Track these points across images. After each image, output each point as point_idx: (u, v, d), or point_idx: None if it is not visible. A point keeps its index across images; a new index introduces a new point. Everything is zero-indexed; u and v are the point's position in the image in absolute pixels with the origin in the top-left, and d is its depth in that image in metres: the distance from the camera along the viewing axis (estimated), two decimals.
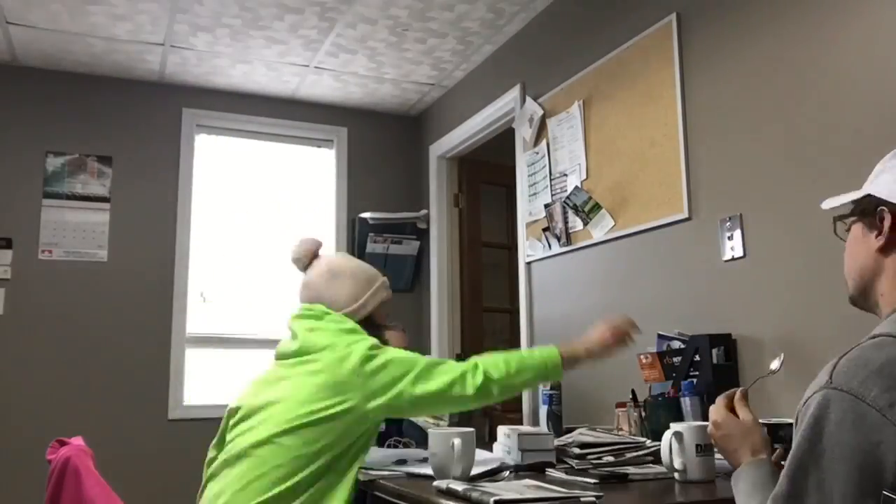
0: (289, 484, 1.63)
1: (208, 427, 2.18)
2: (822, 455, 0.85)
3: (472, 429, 1.71)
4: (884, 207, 1.05)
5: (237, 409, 1.82)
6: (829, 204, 1.19)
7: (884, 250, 1.04)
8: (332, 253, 2.02)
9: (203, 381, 4.00)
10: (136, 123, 4.05)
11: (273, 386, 1.80)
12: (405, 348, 2.93)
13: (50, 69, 3.92)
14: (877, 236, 1.05)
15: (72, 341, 3.77)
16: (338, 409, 1.70)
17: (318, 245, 2.07)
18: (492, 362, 1.82)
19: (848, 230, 1.14)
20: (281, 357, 1.90)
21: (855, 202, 1.11)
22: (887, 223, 1.04)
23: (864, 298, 1.09)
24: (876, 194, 1.06)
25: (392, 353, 1.81)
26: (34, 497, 3.45)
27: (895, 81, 1.83)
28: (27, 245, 3.76)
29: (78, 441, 1.63)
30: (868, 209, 1.08)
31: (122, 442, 3.72)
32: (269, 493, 1.62)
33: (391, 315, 3.39)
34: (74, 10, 3.29)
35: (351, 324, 1.90)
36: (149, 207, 4.00)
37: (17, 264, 3.73)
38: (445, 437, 1.65)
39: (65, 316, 3.77)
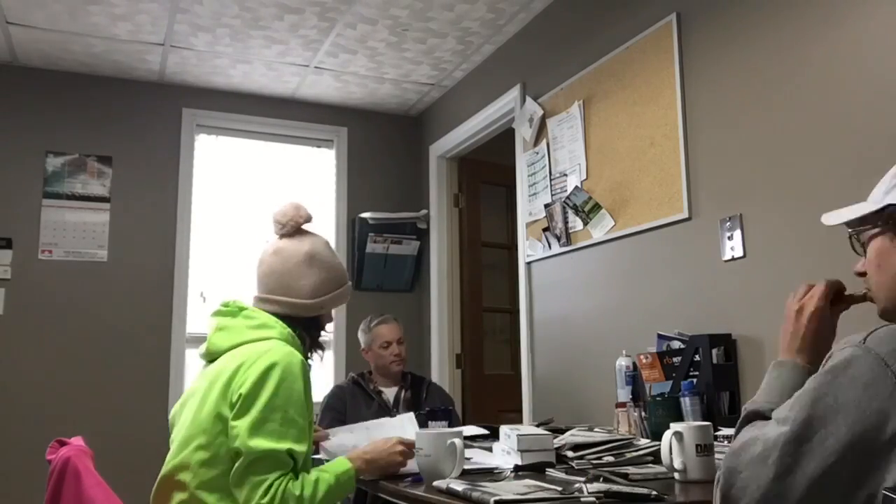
0: None
1: None
2: (824, 396, 0.88)
3: (460, 428, 1.72)
4: None
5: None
6: (832, 220, 1.17)
7: None
8: (321, 239, 1.89)
9: None
10: (136, 123, 4.05)
11: (184, 409, 1.71)
12: (398, 340, 2.98)
13: (50, 69, 3.92)
14: None
15: (72, 341, 3.77)
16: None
17: (308, 219, 1.88)
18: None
19: (865, 244, 1.11)
20: (202, 358, 1.81)
21: (873, 214, 1.09)
22: None
23: None
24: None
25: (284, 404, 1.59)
26: (34, 497, 3.45)
27: (894, 82, 1.83)
28: (27, 245, 3.76)
29: (78, 441, 1.62)
30: (893, 218, 1.06)
31: (122, 442, 3.71)
32: None
33: (383, 309, 3.45)
34: (74, 10, 3.29)
35: (263, 318, 1.75)
36: (149, 207, 4.00)
37: (17, 264, 3.73)
38: (440, 438, 1.64)
39: (65, 316, 3.77)
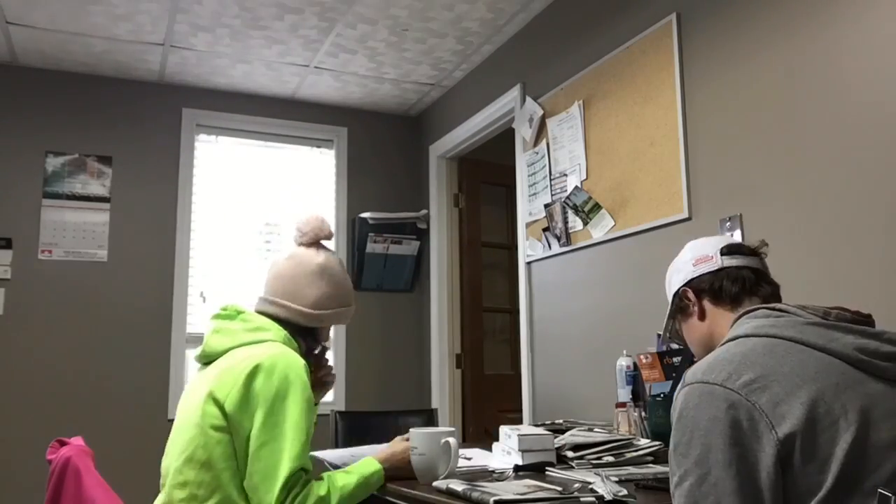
0: None
1: None
2: (692, 438, 1.03)
3: (453, 427, 1.72)
4: (683, 288, 1.38)
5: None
6: (663, 338, 1.51)
7: (702, 317, 1.36)
8: (335, 256, 1.92)
9: None
10: (136, 123, 4.05)
11: (181, 415, 1.70)
12: None
13: (50, 69, 3.92)
14: (691, 309, 1.37)
15: (72, 341, 3.77)
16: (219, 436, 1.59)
17: (329, 235, 1.91)
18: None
19: (681, 334, 1.44)
20: (197, 361, 1.82)
21: (670, 313, 1.42)
22: (692, 295, 1.37)
23: None
24: (673, 292, 1.40)
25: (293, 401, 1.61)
26: (34, 497, 3.46)
27: (894, 82, 1.83)
28: (27, 245, 3.76)
29: (78, 441, 1.63)
30: (677, 304, 1.40)
31: (122, 442, 3.72)
32: None
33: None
34: (74, 10, 3.29)
35: (260, 321, 1.76)
36: (149, 207, 4.01)
37: (17, 264, 3.73)
38: (435, 437, 1.65)
39: (65, 316, 3.77)
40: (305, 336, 1.83)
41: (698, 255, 1.38)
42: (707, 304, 1.35)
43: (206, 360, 1.77)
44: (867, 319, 1.13)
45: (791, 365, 1.03)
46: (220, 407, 1.59)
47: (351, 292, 1.89)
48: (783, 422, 0.98)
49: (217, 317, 1.81)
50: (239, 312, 1.79)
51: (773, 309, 1.17)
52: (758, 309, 1.20)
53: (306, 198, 4.41)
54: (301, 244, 1.88)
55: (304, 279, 1.81)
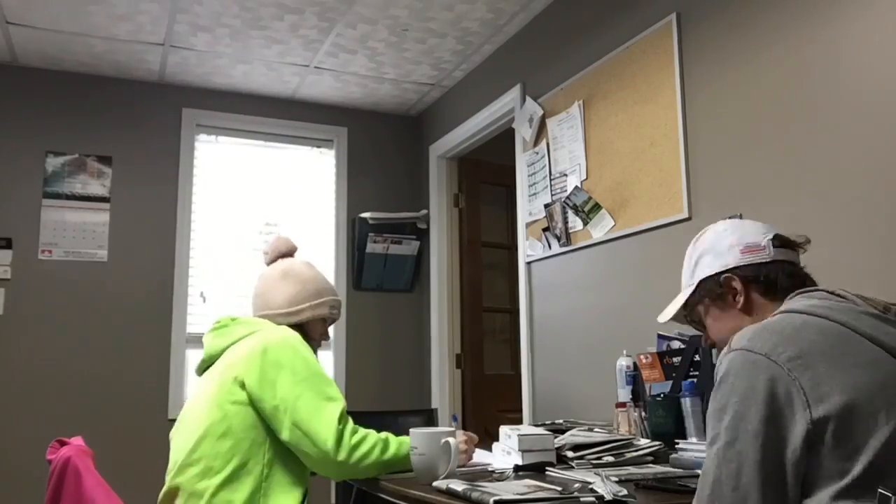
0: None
1: None
2: (728, 403, 1.04)
3: (453, 427, 1.74)
4: (727, 275, 1.28)
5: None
6: (667, 317, 1.40)
7: (747, 310, 1.26)
8: (300, 259, 2.06)
9: None
10: (136, 123, 4.05)
11: (191, 413, 1.77)
12: None
13: (50, 69, 3.92)
14: (734, 299, 1.27)
15: (72, 341, 3.77)
16: (238, 398, 1.69)
17: (291, 248, 2.06)
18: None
19: (702, 320, 1.35)
20: (197, 372, 1.92)
21: (692, 295, 1.34)
22: (738, 284, 1.27)
23: None
24: (708, 275, 1.30)
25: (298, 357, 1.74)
26: (34, 497, 3.46)
27: (894, 82, 1.83)
28: (27, 245, 3.76)
29: (78, 441, 1.63)
30: (711, 289, 1.30)
31: (122, 442, 3.72)
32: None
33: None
34: (74, 10, 3.29)
35: (255, 320, 1.91)
36: (149, 207, 4.01)
37: (17, 264, 3.73)
38: (435, 437, 1.65)
39: (65, 316, 3.77)
40: None
41: (747, 242, 1.29)
42: (756, 296, 1.26)
43: (209, 363, 1.85)
44: None
45: (841, 349, 1.03)
46: (241, 384, 1.69)
47: (323, 286, 2.00)
48: (820, 403, 0.97)
49: (212, 329, 1.92)
50: (233, 319, 1.90)
51: (833, 293, 1.15)
52: (817, 290, 1.17)
53: (306, 198, 4.41)
54: (268, 263, 2.04)
55: (271, 287, 1.96)
